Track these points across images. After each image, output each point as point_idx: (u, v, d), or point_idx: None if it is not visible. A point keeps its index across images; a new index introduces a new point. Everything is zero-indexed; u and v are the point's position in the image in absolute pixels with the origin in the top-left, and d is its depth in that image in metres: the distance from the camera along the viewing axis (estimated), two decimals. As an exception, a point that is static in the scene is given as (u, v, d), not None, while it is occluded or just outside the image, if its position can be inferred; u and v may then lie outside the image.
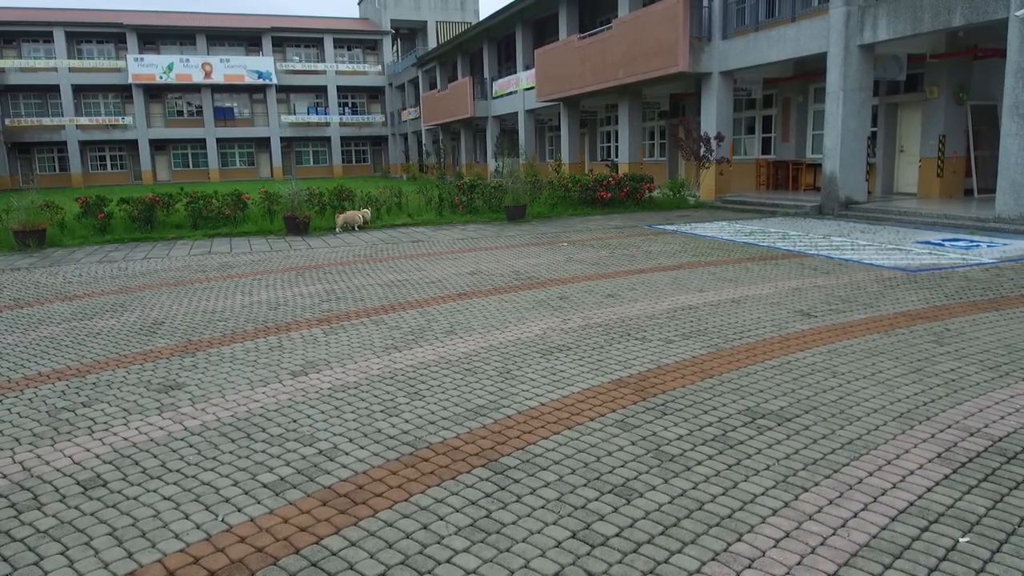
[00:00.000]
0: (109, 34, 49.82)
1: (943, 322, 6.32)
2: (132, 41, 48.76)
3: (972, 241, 11.16)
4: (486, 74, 35.57)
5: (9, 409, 4.66)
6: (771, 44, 17.04)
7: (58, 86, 47.49)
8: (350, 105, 56.01)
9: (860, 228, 13.32)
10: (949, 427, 4.02)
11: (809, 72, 19.29)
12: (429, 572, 2.75)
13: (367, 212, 15.57)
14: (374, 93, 56.67)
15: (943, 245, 10.85)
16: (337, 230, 15.10)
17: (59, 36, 47.46)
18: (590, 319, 6.72)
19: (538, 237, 13.39)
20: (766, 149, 22.16)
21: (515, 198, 16.89)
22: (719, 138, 18.92)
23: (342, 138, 54.80)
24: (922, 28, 13.42)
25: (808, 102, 20.33)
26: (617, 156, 25.70)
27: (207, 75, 49.20)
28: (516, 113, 32.08)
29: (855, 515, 3.10)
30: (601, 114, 30.07)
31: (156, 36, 50.74)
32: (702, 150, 18.96)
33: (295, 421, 4.31)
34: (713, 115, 19.20)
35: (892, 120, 17.97)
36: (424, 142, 45.95)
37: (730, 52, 18.39)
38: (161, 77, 48.35)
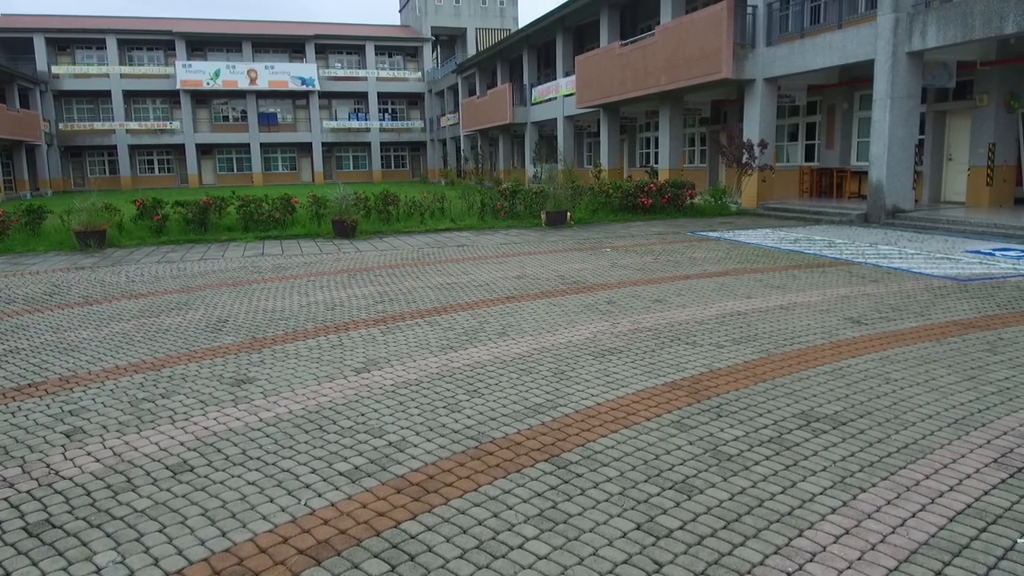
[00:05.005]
0: (159, 41, 51.32)
1: (996, 331, 6.31)
2: (181, 48, 50.11)
3: (1024, 251, 11.01)
4: (525, 80, 35.83)
5: (93, 399, 4.95)
6: (817, 51, 16.95)
7: (109, 91, 49.01)
8: (390, 111, 56.76)
9: (907, 237, 13.20)
10: (1005, 433, 4.07)
11: (855, 79, 19.13)
12: (503, 556, 2.92)
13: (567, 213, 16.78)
14: (414, 99, 57.35)
15: (993, 255, 10.72)
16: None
17: (111, 43, 48.99)
18: (639, 323, 6.84)
19: (580, 242, 13.53)
20: (810, 156, 22.00)
21: (556, 204, 17.04)
22: (762, 145, 18.85)
23: (382, 143, 55.55)
24: (973, 35, 13.27)
25: (853, 109, 20.15)
26: (657, 162, 25.70)
27: (252, 81, 50.32)
28: (555, 119, 32.27)
29: (913, 515, 3.19)
30: (641, 120, 30.10)
31: (204, 43, 52.08)
32: (745, 157, 18.91)
33: (363, 415, 4.52)
34: (756, 122, 19.14)
35: (940, 128, 17.73)
36: (462, 148, 46.39)
37: (774, 59, 18.33)
38: (208, 83, 49.58)
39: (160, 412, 4.65)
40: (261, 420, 4.46)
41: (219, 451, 4.01)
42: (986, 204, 16.33)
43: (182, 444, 4.12)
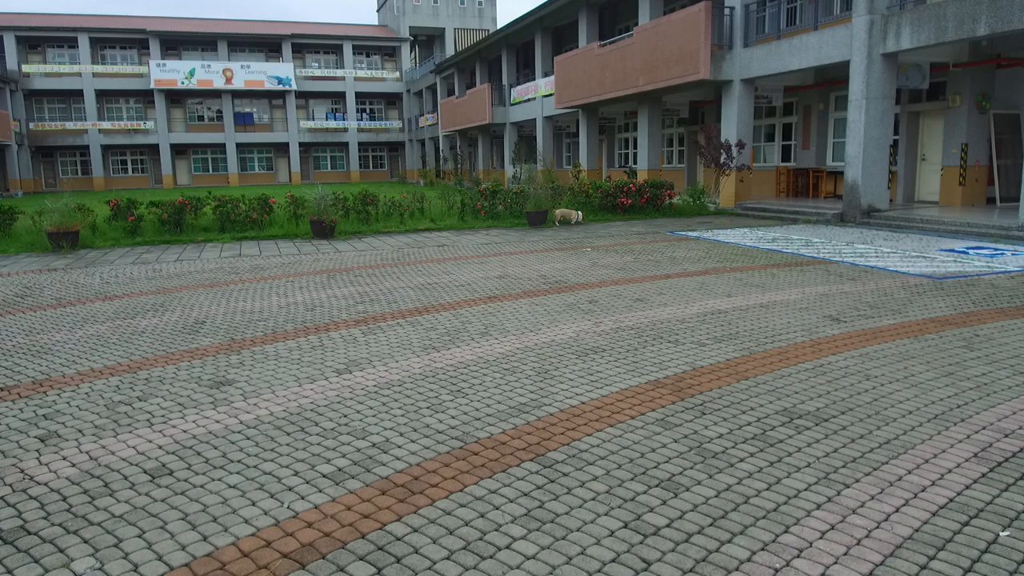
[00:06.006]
0: (132, 40, 50.59)
1: (972, 328, 6.40)
2: (155, 47, 49.45)
3: (996, 249, 11.18)
4: (504, 81, 35.81)
5: (68, 403, 4.85)
6: (793, 52, 17.11)
7: (82, 91, 48.21)
8: (368, 111, 56.47)
9: (883, 236, 13.36)
10: (984, 428, 4.12)
11: (830, 80, 19.35)
12: (491, 557, 2.89)
13: (580, 213, 17.04)
14: (392, 99, 57.12)
15: (967, 253, 10.89)
16: (556, 223, 16.84)
17: (83, 42, 48.21)
18: (621, 322, 6.85)
19: (561, 242, 13.53)
20: (786, 157, 22.21)
21: (537, 204, 17.05)
22: (740, 145, 19.00)
23: (360, 143, 55.24)
24: (946, 37, 13.46)
25: (829, 110, 20.38)
26: (636, 162, 25.82)
27: (228, 81, 49.78)
28: (534, 119, 32.27)
29: (897, 510, 3.21)
30: (620, 120, 30.20)
31: (178, 42, 51.44)
32: (723, 157, 19.04)
33: (345, 416, 4.47)
34: (734, 122, 19.28)
35: (914, 128, 17.98)
36: (441, 148, 46.25)
37: (751, 60, 18.48)
38: (183, 83, 48.97)
39: (137, 415, 4.57)
40: (241, 422, 4.40)
41: (199, 454, 3.94)
42: (959, 203, 16.59)
43: (160, 447, 4.05)
